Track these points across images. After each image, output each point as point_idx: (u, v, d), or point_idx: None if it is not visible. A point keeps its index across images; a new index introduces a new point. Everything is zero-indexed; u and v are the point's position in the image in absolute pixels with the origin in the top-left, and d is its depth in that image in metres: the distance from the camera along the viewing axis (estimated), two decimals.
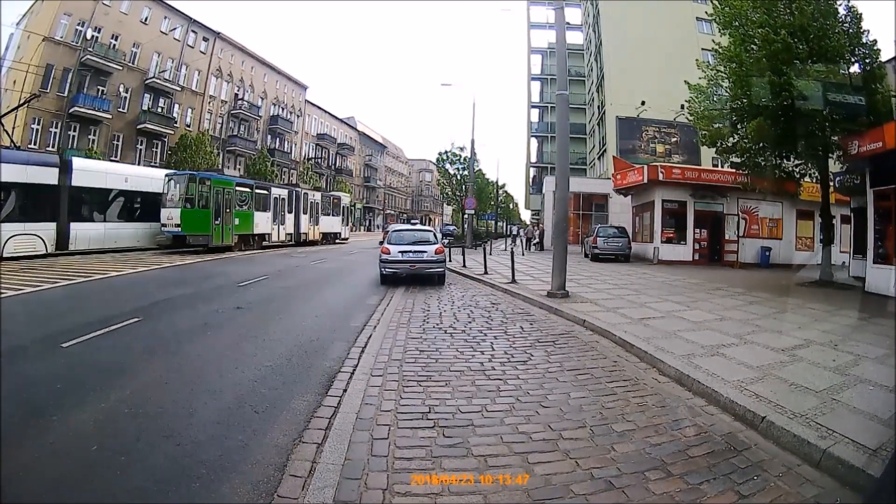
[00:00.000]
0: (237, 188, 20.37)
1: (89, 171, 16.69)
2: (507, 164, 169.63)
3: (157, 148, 31.14)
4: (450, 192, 39.17)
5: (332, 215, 29.24)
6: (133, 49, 29.19)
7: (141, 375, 4.49)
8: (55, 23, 25.06)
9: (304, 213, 25.72)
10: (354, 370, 4.66)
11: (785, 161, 13.03)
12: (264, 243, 21.99)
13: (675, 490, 2.66)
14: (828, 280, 11.94)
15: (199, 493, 2.62)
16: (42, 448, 3.00)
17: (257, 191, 21.95)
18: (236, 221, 19.72)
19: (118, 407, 3.71)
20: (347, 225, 31.74)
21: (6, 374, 4.19)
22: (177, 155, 29.59)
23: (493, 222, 46.12)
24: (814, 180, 14.06)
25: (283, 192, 24.25)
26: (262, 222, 21.76)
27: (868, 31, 11.56)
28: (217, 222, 18.65)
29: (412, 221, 56.71)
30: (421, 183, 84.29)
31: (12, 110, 18.85)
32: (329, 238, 28.76)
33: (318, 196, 27.96)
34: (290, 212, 24.35)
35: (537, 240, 29.95)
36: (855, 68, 11.62)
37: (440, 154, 37.88)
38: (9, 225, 13.53)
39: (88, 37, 26.36)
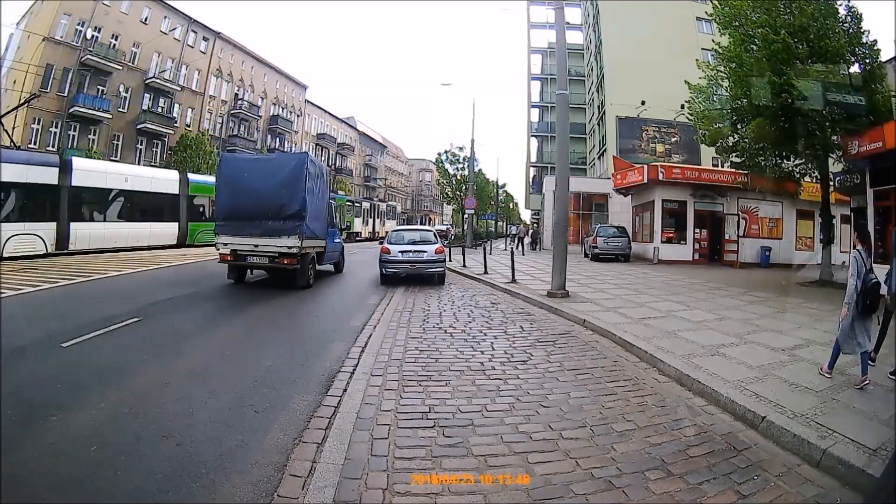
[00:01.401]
0: (346, 203, 30.90)
1: (89, 171, 16.68)
2: (507, 164, 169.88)
3: (157, 148, 31.12)
4: (450, 192, 39.19)
5: (392, 219, 42.81)
6: (133, 49, 29.17)
7: (141, 375, 4.49)
8: (55, 23, 25.04)
9: (377, 217, 38.37)
10: (354, 370, 4.66)
11: (785, 161, 13.04)
12: (357, 238, 30.74)
13: (675, 490, 2.66)
14: (828, 280, 11.93)
15: (198, 493, 2.61)
16: (42, 448, 3.00)
17: (355, 204, 34.56)
18: (346, 224, 28.09)
19: (118, 407, 3.71)
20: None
21: (6, 373, 4.18)
22: (177, 155, 29.58)
23: (493, 222, 46.15)
24: (814, 180, 14.06)
25: (367, 204, 38.12)
26: (357, 224, 33.46)
27: (868, 31, 11.58)
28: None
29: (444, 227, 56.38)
30: (421, 183, 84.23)
31: (12, 110, 18.82)
32: None
33: (384, 206, 43.26)
34: (370, 217, 36.73)
35: (530, 239, 29.76)
36: (855, 68, 11.62)
37: (439, 154, 37.93)
38: (9, 225, 13.51)
39: (88, 37, 26.34)
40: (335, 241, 12.48)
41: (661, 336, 5.91)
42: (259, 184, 9.53)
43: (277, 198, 9.38)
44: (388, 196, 69.55)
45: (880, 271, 5.20)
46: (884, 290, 4.64)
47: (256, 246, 9.53)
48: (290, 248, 9.37)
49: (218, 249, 9.84)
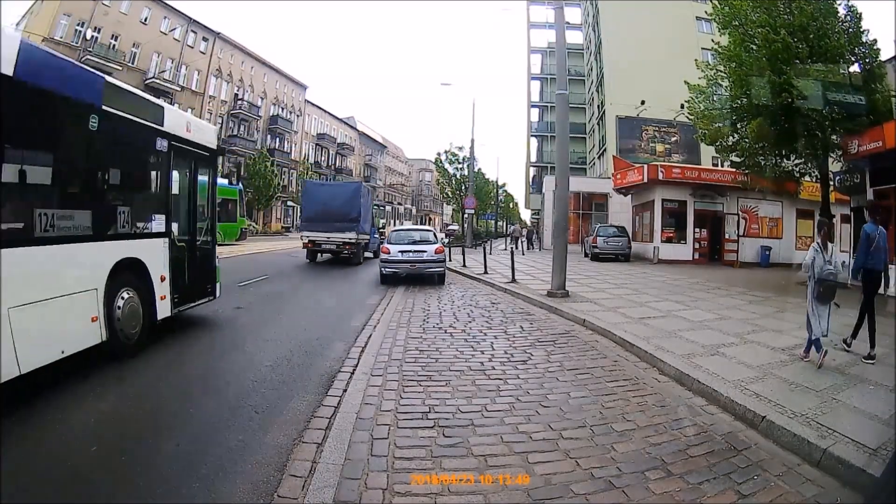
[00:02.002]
0: (375, 207, 36.39)
1: None
2: (507, 163, 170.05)
3: None
4: (449, 192, 39.21)
5: (408, 219, 50.71)
6: (133, 49, 29.19)
7: (140, 375, 4.49)
8: (55, 23, 25.06)
9: (396, 218, 44.91)
10: (354, 370, 4.65)
11: (785, 160, 13.03)
12: (382, 238, 36.91)
13: (676, 490, 2.65)
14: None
15: (199, 492, 2.61)
16: (42, 447, 3.00)
17: (381, 207, 38.39)
18: (381, 225, 32.06)
19: (118, 406, 3.71)
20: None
21: None
22: None
23: (493, 222, 46.18)
24: (814, 179, 14.06)
25: (389, 207, 45.18)
26: (384, 224, 39.04)
27: (868, 30, 11.58)
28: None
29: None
30: (421, 183, 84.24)
31: None
32: None
33: (402, 208, 52.80)
34: (391, 218, 42.28)
35: (524, 238, 29.71)
36: (855, 68, 11.62)
37: (439, 154, 37.98)
38: None
39: (88, 37, 26.36)
40: (375, 236, 17.73)
41: (661, 336, 5.91)
42: (330, 200, 14.82)
43: (343, 208, 14.56)
44: (387, 196, 69.79)
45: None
46: (843, 278, 5.09)
47: (328, 238, 14.52)
48: (350, 239, 14.52)
49: (302, 240, 15.19)
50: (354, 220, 14.57)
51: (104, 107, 4.44)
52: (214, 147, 6.87)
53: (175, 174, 5.92)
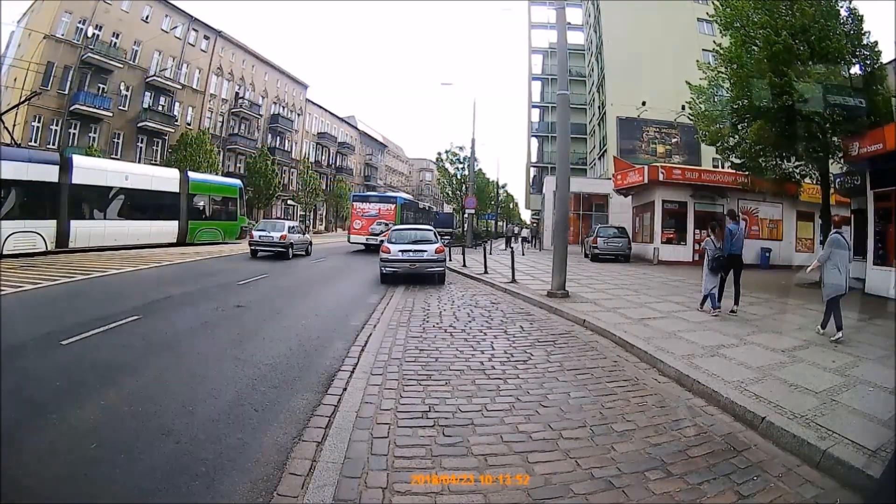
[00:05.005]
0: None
1: (90, 169, 16.69)
2: (508, 164, 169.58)
3: (157, 146, 31.13)
4: (450, 192, 39.21)
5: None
6: (134, 47, 29.17)
7: (140, 373, 4.49)
8: (56, 21, 25.03)
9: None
10: (354, 369, 4.66)
11: (785, 162, 13.02)
12: None
13: (675, 490, 2.66)
14: None
15: (198, 491, 2.62)
16: (41, 446, 3.00)
17: (429, 210, 51.96)
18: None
19: (118, 405, 3.71)
20: None
21: (6, 371, 4.18)
22: (177, 153, 29.56)
23: (493, 222, 46.18)
24: (814, 181, 14.04)
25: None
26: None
27: (869, 32, 11.54)
28: None
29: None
30: (421, 182, 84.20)
31: (13, 108, 18.80)
32: None
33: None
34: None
35: (524, 237, 29.76)
36: (856, 70, 11.60)
37: (440, 154, 37.98)
38: (9, 222, 13.51)
39: (89, 35, 26.34)
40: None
41: (661, 336, 5.91)
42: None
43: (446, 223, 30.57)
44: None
45: (880, 274, 5.31)
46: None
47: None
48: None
49: None
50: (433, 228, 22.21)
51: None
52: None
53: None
